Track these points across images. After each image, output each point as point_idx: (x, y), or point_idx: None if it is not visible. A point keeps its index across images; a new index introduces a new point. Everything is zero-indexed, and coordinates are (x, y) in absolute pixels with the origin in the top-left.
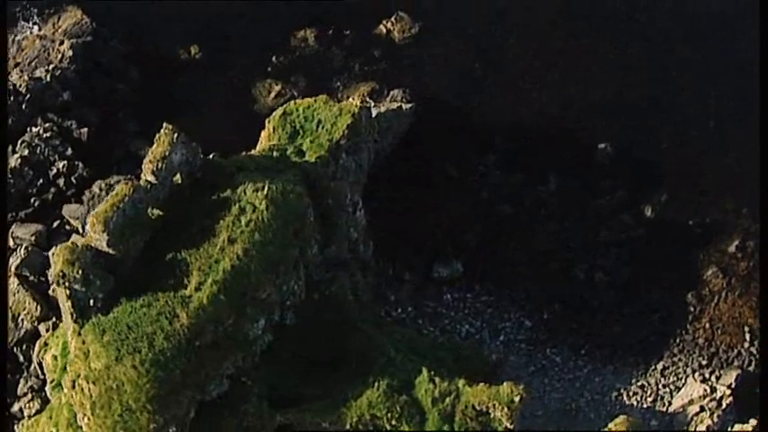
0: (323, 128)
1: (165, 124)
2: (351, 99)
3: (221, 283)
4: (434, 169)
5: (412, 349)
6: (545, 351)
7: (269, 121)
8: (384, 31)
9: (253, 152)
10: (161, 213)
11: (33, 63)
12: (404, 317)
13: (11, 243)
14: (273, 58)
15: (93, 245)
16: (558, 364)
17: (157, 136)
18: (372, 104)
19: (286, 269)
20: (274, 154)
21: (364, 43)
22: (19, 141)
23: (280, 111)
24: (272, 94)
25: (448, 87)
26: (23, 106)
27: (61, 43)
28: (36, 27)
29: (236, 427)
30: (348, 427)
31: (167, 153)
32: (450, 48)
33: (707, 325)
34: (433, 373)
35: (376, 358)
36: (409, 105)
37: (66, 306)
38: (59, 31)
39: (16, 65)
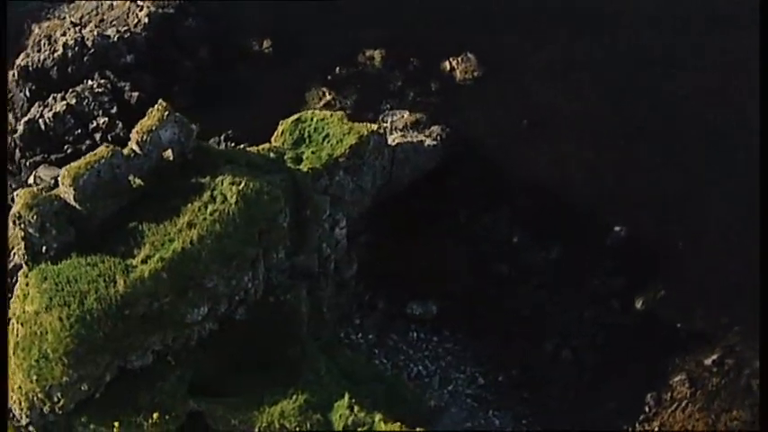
0: (328, 142)
1: (160, 100)
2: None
3: (168, 262)
4: (445, 211)
5: (348, 374)
6: (488, 412)
7: (281, 124)
8: (448, 67)
9: (252, 148)
10: (142, 184)
11: (113, 22)
12: (362, 342)
13: (31, 180)
14: (336, 69)
15: (62, 196)
16: (496, 427)
17: (150, 109)
18: (399, 134)
19: (240, 265)
20: (271, 155)
21: (426, 74)
22: (70, 90)
23: (295, 116)
24: (322, 102)
25: (489, 135)
26: (85, 59)
27: (141, 9)
28: None
29: (149, 402)
30: (256, 430)
31: (155, 128)
32: (505, 98)
33: (656, 429)
34: (354, 401)
35: (303, 373)
36: (433, 143)
37: (20, 246)
38: None
39: (100, 21)
